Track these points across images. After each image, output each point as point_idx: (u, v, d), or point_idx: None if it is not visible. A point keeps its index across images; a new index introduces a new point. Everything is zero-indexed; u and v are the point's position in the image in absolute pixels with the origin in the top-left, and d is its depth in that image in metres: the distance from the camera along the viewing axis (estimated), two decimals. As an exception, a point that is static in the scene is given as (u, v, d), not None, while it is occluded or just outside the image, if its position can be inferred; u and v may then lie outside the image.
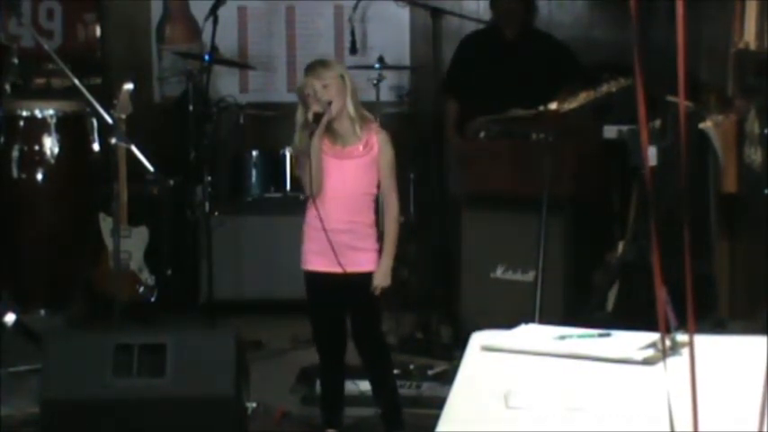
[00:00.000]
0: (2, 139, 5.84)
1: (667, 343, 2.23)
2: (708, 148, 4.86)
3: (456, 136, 6.07)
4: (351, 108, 4.07)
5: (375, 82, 6.27)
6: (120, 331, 4.42)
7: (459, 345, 4.34)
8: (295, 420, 4.48)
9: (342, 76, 4.08)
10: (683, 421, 1.59)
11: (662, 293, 1.62)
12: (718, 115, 4.81)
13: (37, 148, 5.86)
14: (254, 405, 4.34)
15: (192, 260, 6.26)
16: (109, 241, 5.54)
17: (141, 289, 5.81)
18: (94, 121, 5.90)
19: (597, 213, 5.51)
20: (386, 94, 6.57)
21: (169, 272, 6.12)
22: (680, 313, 1.99)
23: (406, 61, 6.92)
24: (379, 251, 4.12)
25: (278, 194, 6.44)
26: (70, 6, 7.07)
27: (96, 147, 5.98)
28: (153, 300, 5.85)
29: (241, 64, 6.89)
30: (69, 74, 5.15)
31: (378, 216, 4.18)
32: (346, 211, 4.08)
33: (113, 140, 5.01)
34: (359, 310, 4.16)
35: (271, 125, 6.82)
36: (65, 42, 7.00)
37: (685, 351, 2.13)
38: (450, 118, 6.22)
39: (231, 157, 6.59)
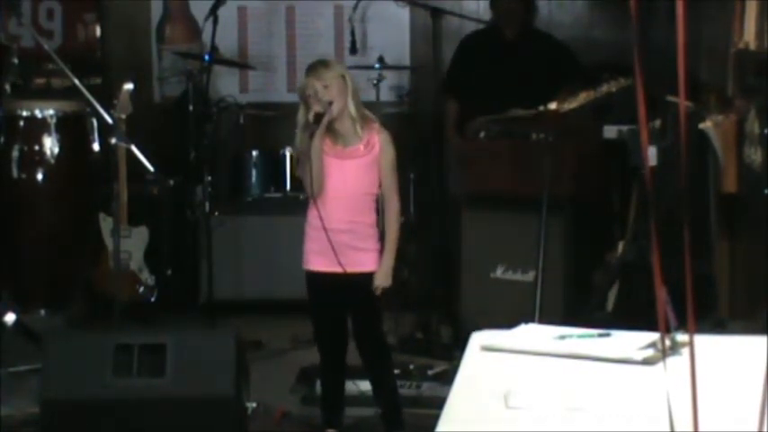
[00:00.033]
0: (2, 139, 5.84)
1: (667, 343, 2.23)
2: (708, 148, 4.86)
3: (456, 136, 6.07)
4: (352, 108, 4.07)
5: (375, 82, 6.27)
6: (120, 331, 4.42)
7: (459, 345, 4.34)
8: (295, 420, 4.48)
9: (343, 77, 4.08)
10: (683, 421, 1.59)
11: (662, 293, 1.62)
12: (718, 115, 4.81)
13: (37, 148, 5.86)
14: (254, 405, 4.34)
15: (192, 260, 6.27)
16: (109, 241, 5.55)
17: (141, 289, 5.81)
18: (94, 121, 5.90)
19: (597, 213, 5.51)
20: (386, 94, 6.57)
21: (169, 272, 6.12)
22: (680, 313, 1.99)
23: (406, 61, 6.92)
24: (381, 251, 4.12)
25: (278, 194, 6.45)
26: (70, 6, 7.07)
27: (96, 147, 5.98)
28: (153, 300, 5.85)
29: (241, 64, 6.89)
30: (69, 74, 5.15)
31: (379, 216, 4.18)
32: (347, 211, 4.08)
33: (113, 140, 5.01)
34: (360, 310, 4.16)
35: (271, 125, 6.82)
36: (65, 42, 7.00)
37: (685, 351, 2.13)
38: (450, 118, 6.22)
39: (231, 157, 6.59)
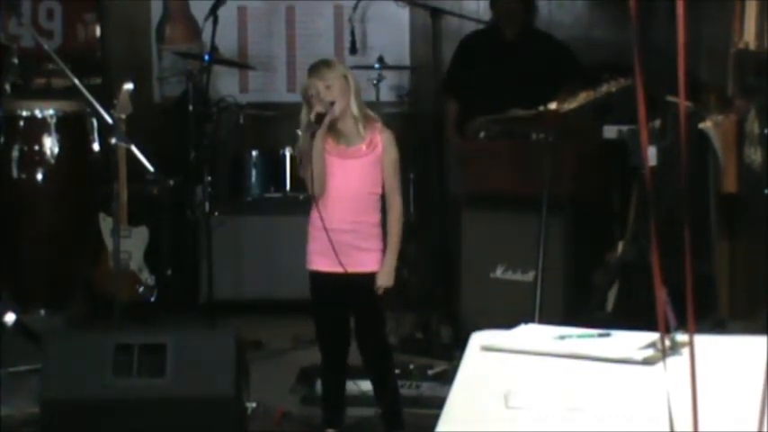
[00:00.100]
0: (2, 139, 5.84)
1: (667, 343, 2.23)
2: (708, 148, 4.85)
3: (456, 136, 6.07)
4: (354, 108, 4.07)
5: (375, 82, 6.28)
6: (120, 331, 4.42)
7: (459, 345, 4.34)
8: (295, 420, 4.48)
9: (345, 77, 4.08)
10: (683, 421, 1.59)
11: (662, 293, 1.62)
12: (718, 115, 4.81)
13: (37, 148, 5.86)
14: (254, 405, 4.34)
15: (192, 260, 6.27)
16: (109, 241, 5.55)
17: (141, 289, 5.81)
18: (94, 121, 5.90)
19: (597, 213, 5.51)
20: (386, 94, 6.57)
21: (169, 272, 6.12)
22: (680, 313, 1.99)
23: (406, 61, 6.92)
24: (385, 251, 4.11)
25: (278, 194, 6.45)
26: (70, 6, 7.07)
27: (96, 147, 5.98)
28: (153, 300, 5.84)
29: (241, 64, 6.89)
30: (69, 74, 5.15)
31: (383, 216, 4.18)
32: (350, 211, 4.08)
33: (113, 140, 5.01)
34: (363, 310, 4.16)
35: (271, 125, 6.83)
36: (65, 42, 7.00)
37: (685, 351, 2.13)
38: (450, 118, 6.22)
39: (231, 157, 6.59)
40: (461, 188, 5.75)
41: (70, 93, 5.62)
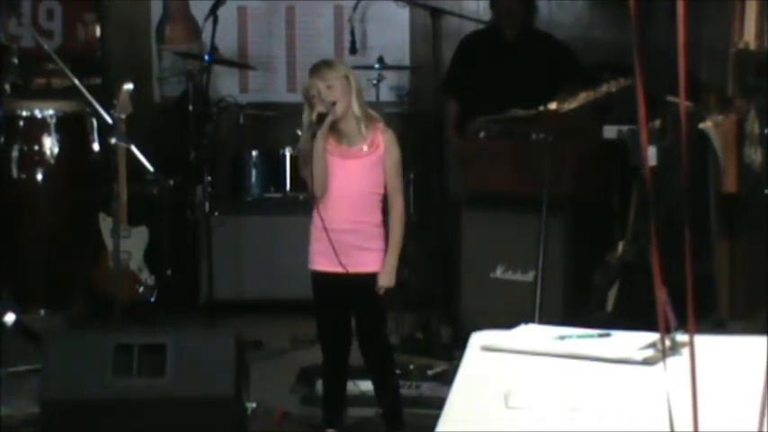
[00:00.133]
0: (2, 139, 5.85)
1: (667, 343, 2.23)
2: (708, 148, 4.86)
3: (456, 136, 6.07)
4: (356, 108, 4.07)
5: (375, 82, 6.28)
6: (120, 331, 4.42)
7: (459, 345, 4.34)
8: (295, 420, 4.48)
9: (346, 77, 4.08)
10: (683, 421, 1.59)
11: (662, 293, 1.62)
12: (718, 115, 4.81)
13: (37, 148, 5.86)
14: (254, 405, 4.34)
15: (192, 260, 6.26)
16: (109, 241, 5.54)
17: (141, 289, 5.81)
18: (94, 121, 5.90)
19: (597, 213, 5.51)
20: (386, 94, 6.57)
21: (169, 272, 6.12)
22: (680, 313, 1.99)
23: (406, 61, 6.92)
24: (386, 251, 4.11)
25: (278, 194, 6.45)
26: (70, 6, 7.07)
27: (96, 147, 5.98)
28: (153, 300, 5.85)
29: (241, 64, 6.89)
30: (69, 74, 5.15)
31: (384, 216, 4.18)
32: (352, 211, 4.08)
33: (113, 140, 5.01)
34: (364, 310, 4.16)
35: (271, 125, 6.83)
36: (65, 42, 7.00)
37: (685, 351, 2.13)
38: (450, 118, 6.22)
39: (231, 157, 6.59)
40: (461, 188, 5.75)
41: (70, 93, 5.62)
